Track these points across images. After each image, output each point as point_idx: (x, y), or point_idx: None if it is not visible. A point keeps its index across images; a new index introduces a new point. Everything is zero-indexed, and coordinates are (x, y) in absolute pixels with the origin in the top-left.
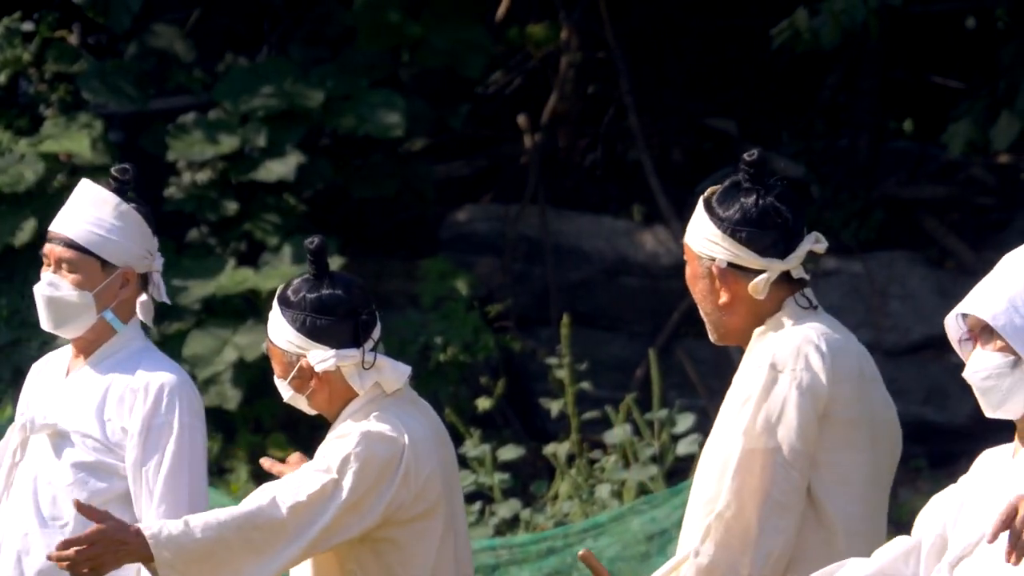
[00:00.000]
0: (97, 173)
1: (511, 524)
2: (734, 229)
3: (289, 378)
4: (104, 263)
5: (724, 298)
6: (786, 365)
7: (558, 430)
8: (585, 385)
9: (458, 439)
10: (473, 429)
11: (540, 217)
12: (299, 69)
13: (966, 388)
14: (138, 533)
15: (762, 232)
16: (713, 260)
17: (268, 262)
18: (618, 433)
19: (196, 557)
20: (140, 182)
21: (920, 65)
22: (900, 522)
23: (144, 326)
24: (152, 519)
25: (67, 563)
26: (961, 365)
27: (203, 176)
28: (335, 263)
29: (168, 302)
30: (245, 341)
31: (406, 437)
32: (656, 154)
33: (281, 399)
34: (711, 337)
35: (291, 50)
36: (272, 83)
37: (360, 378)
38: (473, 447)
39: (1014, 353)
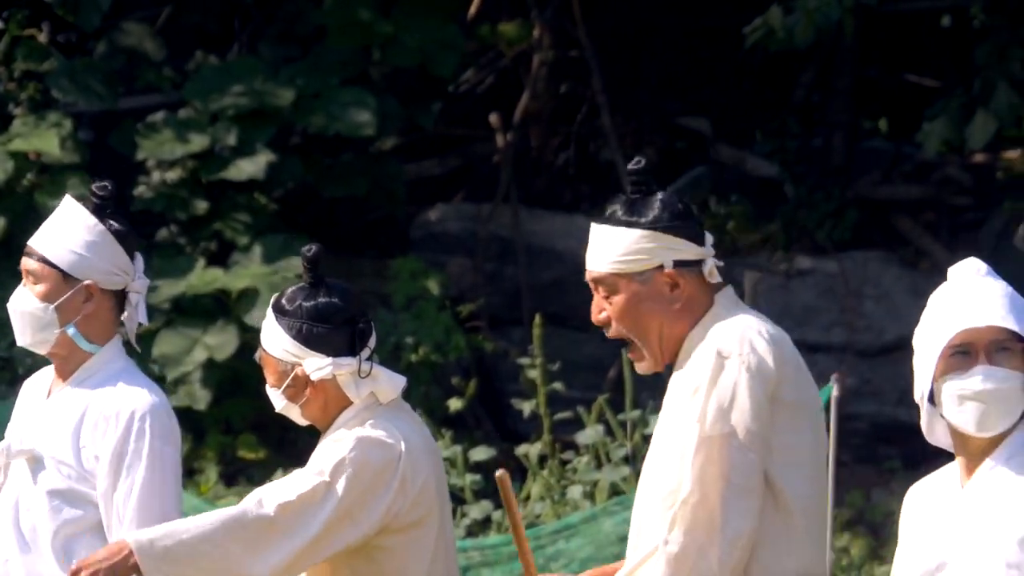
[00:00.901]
0: (66, 172)
1: (483, 525)
2: (667, 227)
3: (283, 387)
4: (65, 276)
5: (678, 303)
6: (732, 351)
7: (530, 431)
8: (557, 386)
9: None
10: (444, 430)
11: (512, 216)
12: (269, 68)
13: None
14: (114, 553)
15: (689, 221)
16: (661, 267)
17: (238, 261)
18: (590, 434)
19: (183, 557)
20: (117, 197)
21: (895, 64)
22: (874, 523)
23: (129, 347)
24: None
25: None
26: None
27: (173, 175)
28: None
29: (147, 323)
30: (215, 341)
31: (403, 444)
32: (629, 153)
33: (252, 400)
34: (652, 367)
35: (261, 48)
36: (242, 82)
37: (356, 387)
38: (444, 448)
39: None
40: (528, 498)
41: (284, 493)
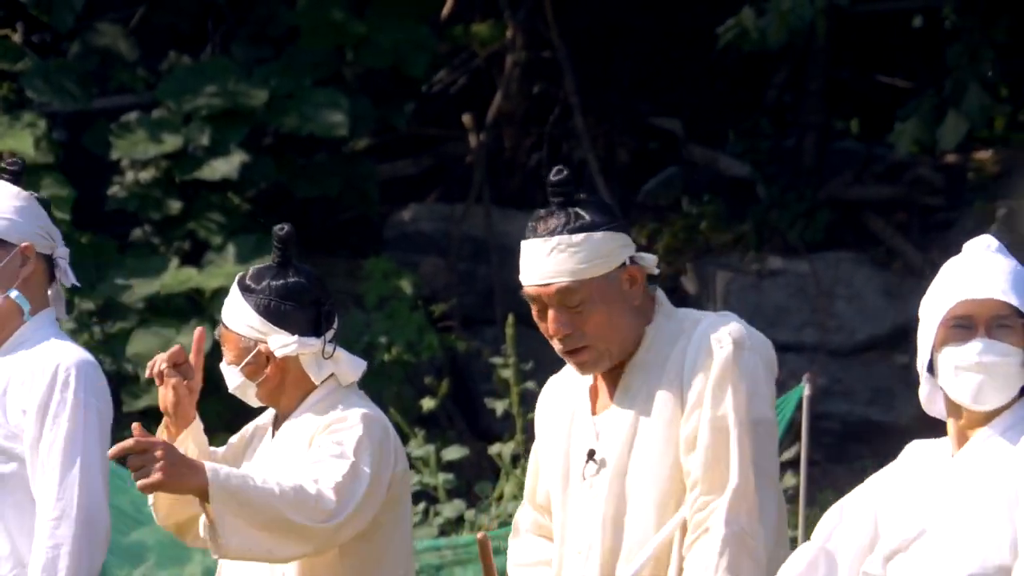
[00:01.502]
0: (40, 172)
1: (456, 524)
2: (618, 224)
3: (243, 364)
4: (2, 242)
5: (637, 299)
6: (745, 341)
7: (503, 430)
8: (530, 385)
9: (402, 439)
10: (417, 429)
11: (485, 217)
12: (242, 68)
13: (912, 388)
14: (197, 464)
15: (618, 216)
16: (623, 265)
17: (212, 261)
18: None
19: (249, 501)
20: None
21: (867, 65)
22: None
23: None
24: (44, 495)
25: (132, 461)
26: (906, 366)
27: (146, 175)
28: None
29: (78, 284)
30: (189, 340)
31: (385, 420)
32: (601, 154)
33: (227, 399)
34: (602, 368)
35: (234, 49)
36: (215, 82)
37: (318, 368)
38: (417, 447)
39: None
40: (501, 497)
41: (333, 475)
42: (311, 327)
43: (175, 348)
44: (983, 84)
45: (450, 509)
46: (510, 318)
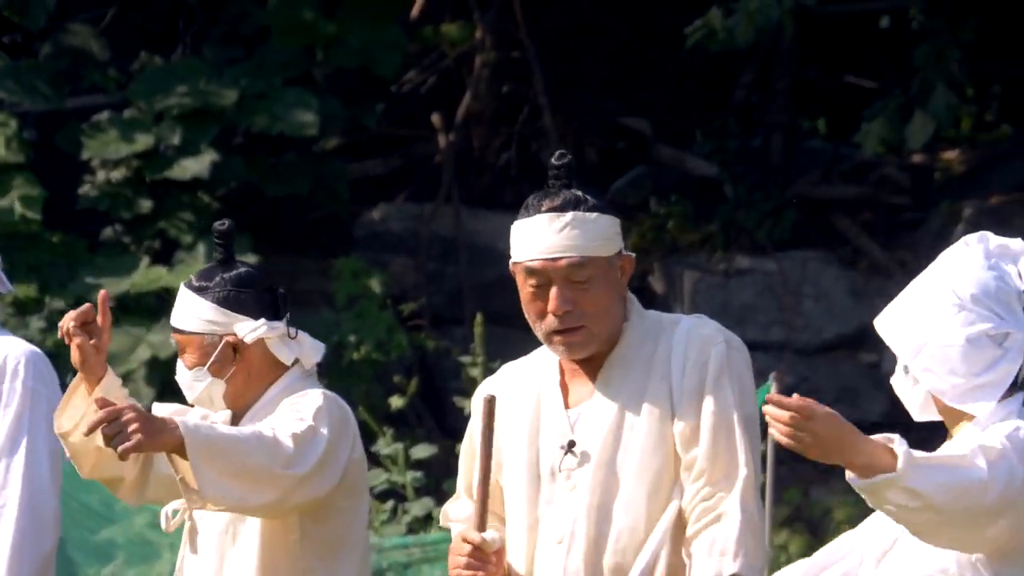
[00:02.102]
0: (12, 171)
1: (424, 522)
2: (606, 209)
3: (210, 362)
4: None
5: (624, 291)
6: (733, 341)
7: None
8: None
9: (371, 437)
10: (386, 427)
11: (454, 216)
12: (213, 68)
13: (878, 387)
14: (167, 420)
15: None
16: (620, 252)
17: (182, 260)
18: None
19: (219, 448)
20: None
21: (834, 65)
22: (812, 520)
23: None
24: None
25: (105, 430)
26: (872, 364)
27: (117, 174)
28: (248, 261)
29: (12, 290)
30: (159, 339)
31: (347, 406)
32: (570, 153)
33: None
34: (590, 352)
35: (205, 49)
36: (186, 82)
37: (288, 349)
38: (386, 445)
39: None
40: None
41: (290, 428)
42: (271, 311)
43: (84, 306)
44: (950, 84)
45: (418, 507)
46: (479, 317)
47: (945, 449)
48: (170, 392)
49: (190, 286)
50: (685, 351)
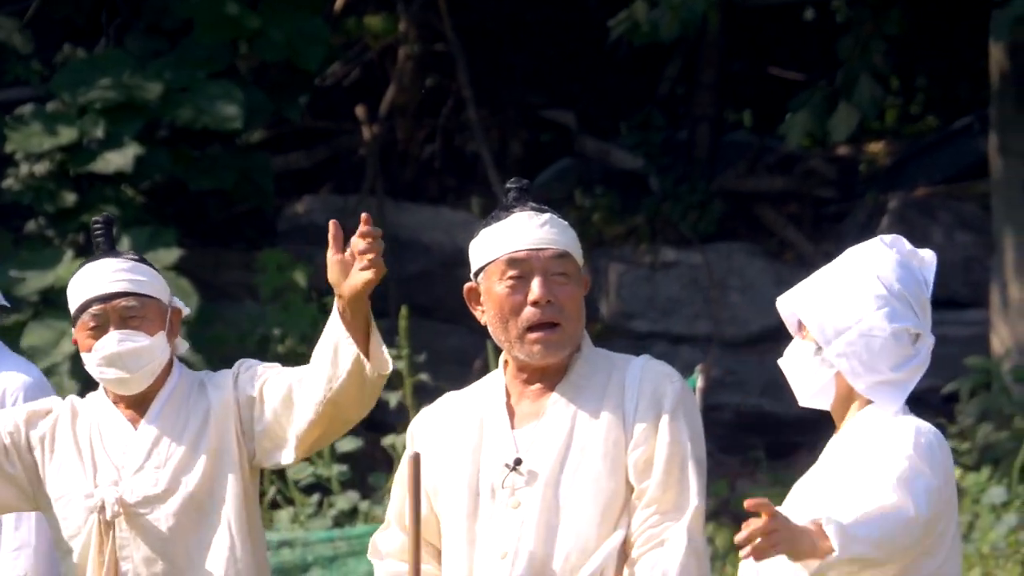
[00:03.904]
0: None
1: (349, 516)
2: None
3: (166, 327)
4: None
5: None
6: (685, 384)
7: (396, 422)
8: (423, 377)
9: None
10: None
11: (378, 209)
12: (137, 61)
13: None
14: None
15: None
16: (582, 265)
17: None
18: None
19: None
20: None
21: (759, 57)
22: (738, 513)
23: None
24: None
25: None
26: None
27: (41, 168)
28: (173, 255)
29: (7, 305)
30: None
31: None
32: (495, 146)
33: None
34: (560, 352)
35: (129, 42)
36: (110, 75)
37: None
38: None
39: (816, 343)
40: None
41: None
42: None
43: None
44: (874, 76)
45: (344, 501)
46: (403, 310)
47: (865, 494)
48: (95, 385)
49: (126, 258)
50: (640, 384)
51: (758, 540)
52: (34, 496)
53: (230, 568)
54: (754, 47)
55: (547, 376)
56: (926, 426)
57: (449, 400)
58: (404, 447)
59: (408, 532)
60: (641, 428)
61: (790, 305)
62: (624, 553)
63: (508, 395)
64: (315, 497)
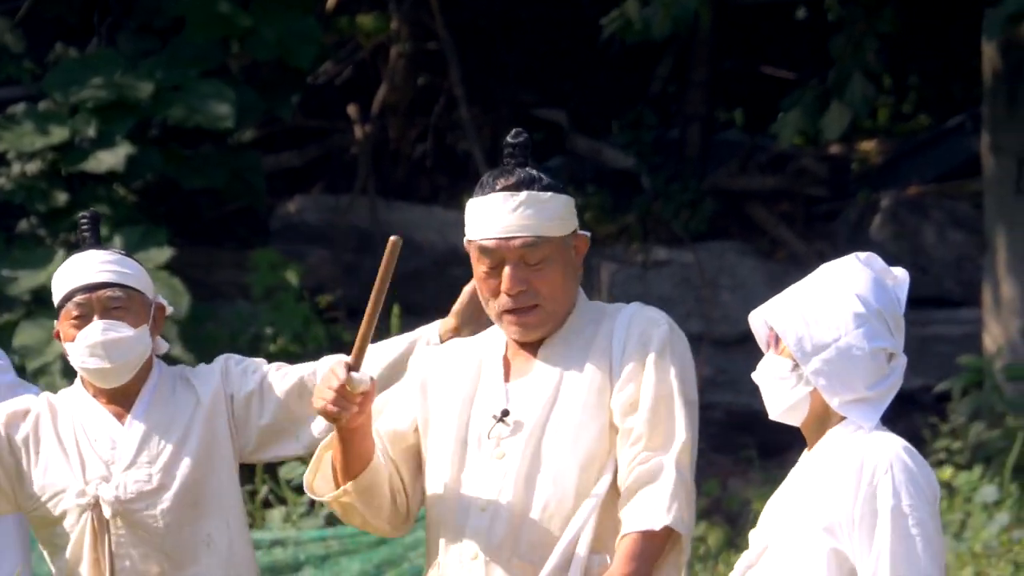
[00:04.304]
0: None
1: None
2: (561, 189)
3: (150, 322)
4: None
5: (579, 269)
6: (675, 326)
7: None
8: None
9: None
10: None
11: (370, 208)
12: (129, 60)
13: None
14: None
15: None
16: (574, 232)
17: None
18: None
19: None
20: None
21: (751, 56)
22: (730, 512)
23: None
24: None
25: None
26: None
27: (33, 167)
28: (165, 254)
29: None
30: None
31: None
32: (486, 145)
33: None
34: (547, 332)
35: (120, 41)
36: (102, 74)
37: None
38: None
39: (793, 359)
40: None
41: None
42: None
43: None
44: (867, 75)
45: None
46: (395, 309)
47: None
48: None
49: (112, 251)
50: (628, 329)
51: None
52: (15, 498)
53: (227, 560)
54: (746, 45)
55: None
56: (899, 449)
57: (455, 345)
58: None
59: (370, 303)
60: (627, 370)
61: (765, 319)
62: (612, 498)
63: (507, 347)
64: (307, 496)
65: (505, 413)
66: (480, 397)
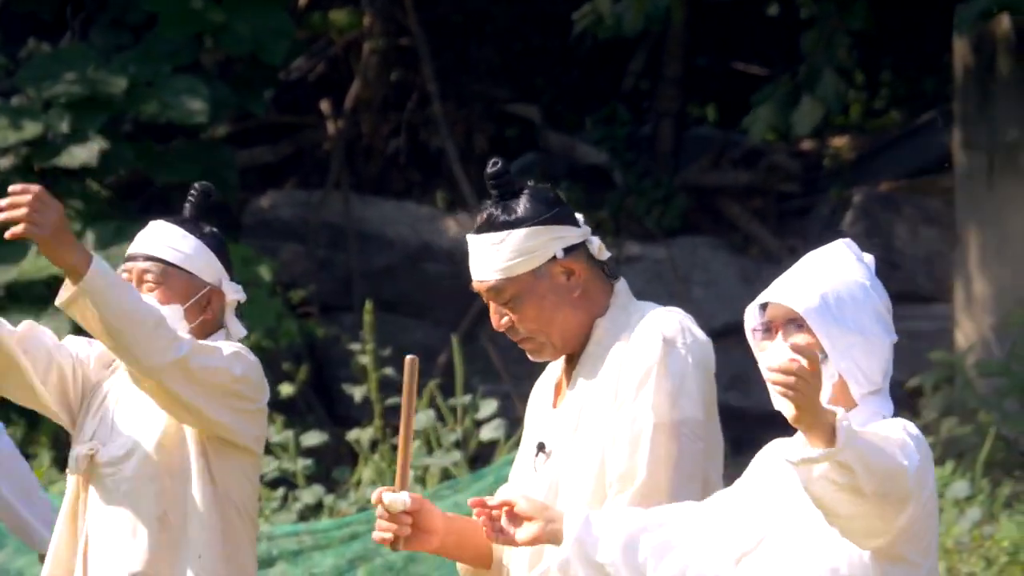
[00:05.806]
0: None
1: (314, 510)
2: (547, 217)
3: (188, 303)
4: None
5: (577, 291)
6: (677, 339)
7: (361, 416)
8: (388, 371)
9: None
10: (276, 415)
11: (343, 203)
12: (101, 55)
13: None
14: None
15: (564, 206)
16: (554, 258)
17: None
18: (421, 419)
19: (121, 293)
20: None
21: (723, 52)
22: None
23: None
24: None
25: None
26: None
27: (5, 162)
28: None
29: None
30: (48, 327)
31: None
32: (459, 141)
33: None
34: (553, 356)
35: (93, 36)
36: (75, 69)
37: (235, 323)
38: (276, 433)
39: (821, 350)
40: (359, 483)
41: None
42: (231, 278)
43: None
44: (838, 70)
45: (309, 495)
46: (368, 304)
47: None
48: None
49: (187, 229)
50: (628, 347)
51: (795, 379)
52: (69, 412)
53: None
54: (718, 42)
55: (574, 350)
56: (915, 429)
57: (548, 368)
58: (368, 442)
59: (401, 430)
60: (618, 399)
61: (789, 303)
62: None
63: (561, 370)
64: (280, 491)
65: (541, 447)
66: (534, 425)
